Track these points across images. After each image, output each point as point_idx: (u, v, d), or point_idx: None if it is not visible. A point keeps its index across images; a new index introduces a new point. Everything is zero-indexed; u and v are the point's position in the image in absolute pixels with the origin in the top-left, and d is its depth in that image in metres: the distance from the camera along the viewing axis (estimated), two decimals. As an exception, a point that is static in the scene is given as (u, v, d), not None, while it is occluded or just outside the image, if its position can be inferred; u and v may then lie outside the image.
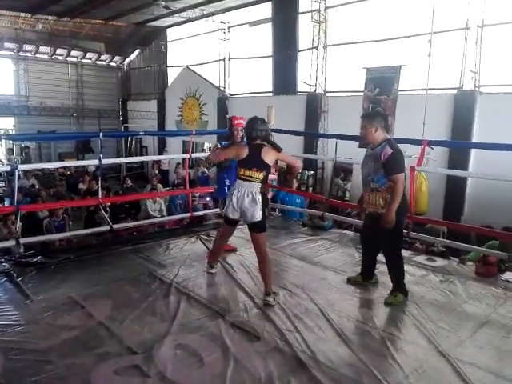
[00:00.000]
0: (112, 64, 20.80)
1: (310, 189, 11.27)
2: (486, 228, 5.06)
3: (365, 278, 3.99)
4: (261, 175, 3.52)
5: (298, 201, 6.75)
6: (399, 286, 3.68)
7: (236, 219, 3.66)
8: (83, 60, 19.79)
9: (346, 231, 5.83)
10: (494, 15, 8.64)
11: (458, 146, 8.51)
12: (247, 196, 3.48)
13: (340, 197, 10.85)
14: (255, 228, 3.57)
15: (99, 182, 4.90)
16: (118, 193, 9.02)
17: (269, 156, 3.54)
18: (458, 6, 8.90)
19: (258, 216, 3.49)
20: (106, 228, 4.89)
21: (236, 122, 4.26)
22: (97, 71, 20.53)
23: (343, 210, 7.66)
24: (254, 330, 3.08)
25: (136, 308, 3.35)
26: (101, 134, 4.84)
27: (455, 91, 9.10)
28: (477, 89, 8.82)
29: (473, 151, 8.64)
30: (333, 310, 3.42)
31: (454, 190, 8.90)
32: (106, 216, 4.78)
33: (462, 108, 8.85)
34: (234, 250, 4.68)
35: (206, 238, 5.24)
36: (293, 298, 3.64)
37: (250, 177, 3.51)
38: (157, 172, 12.90)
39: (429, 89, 8.65)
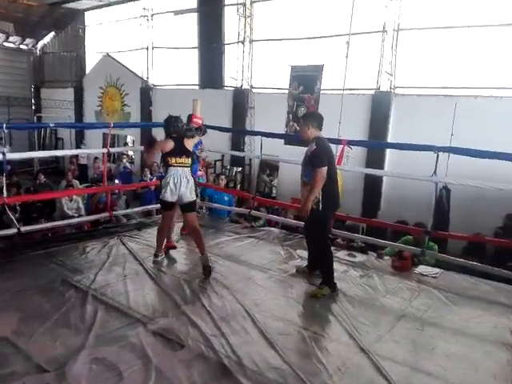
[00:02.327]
0: (23, 47, 19.06)
1: (238, 186, 11.27)
2: (400, 225, 5.36)
3: (310, 269, 4.18)
4: (189, 160, 4.21)
5: (226, 198, 6.68)
6: (326, 280, 3.83)
7: (173, 202, 4.20)
8: (-12, 41, 17.95)
9: (272, 228, 5.88)
10: (410, 20, 9.18)
11: (375, 146, 8.94)
12: (183, 179, 4.11)
13: (267, 193, 10.96)
14: (189, 208, 4.22)
15: (3, 179, 4.40)
16: (30, 189, 8.28)
17: (189, 145, 4.26)
18: (376, 10, 9.32)
19: (193, 196, 4.21)
20: (12, 231, 4.41)
21: (194, 119, 5.01)
22: (5, 54, 18.65)
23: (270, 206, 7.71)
24: (177, 337, 2.95)
25: (47, 320, 3.06)
26: (4, 126, 4.33)
27: (373, 92, 9.56)
28: (392, 90, 9.34)
29: (388, 151, 9.16)
30: (259, 311, 3.40)
31: (372, 187, 9.37)
32: (13, 217, 4.31)
33: (379, 108, 9.32)
34: (174, 248, 4.78)
35: (127, 239, 4.98)
36: (219, 300, 3.57)
37: (182, 163, 4.15)
38: (74, 167, 12.08)
39: (346, 89, 9.00)
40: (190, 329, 3.07)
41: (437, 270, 4.50)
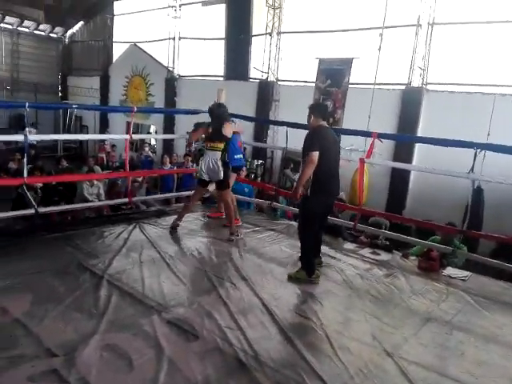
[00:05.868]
0: (52, 35, 19.34)
1: (259, 179, 11.11)
2: (431, 223, 5.12)
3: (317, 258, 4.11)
4: (221, 145, 4.64)
5: (246, 190, 6.52)
6: (303, 265, 3.81)
7: (207, 180, 4.76)
8: (20, 28, 18.22)
9: (292, 222, 5.72)
10: (445, 14, 8.81)
11: (407, 140, 8.62)
12: (210, 162, 4.63)
13: (288, 187, 10.75)
14: (219, 186, 4.79)
15: (25, 160, 4.38)
16: (51, 173, 8.29)
17: (226, 130, 4.63)
18: (411, 3, 8.99)
19: (221, 176, 4.67)
20: (30, 211, 4.37)
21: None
22: (35, 42, 18.99)
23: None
24: (192, 327, 2.83)
25: (60, 303, 2.98)
26: (27, 104, 4.27)
27: (403, 87, 9.23)
28: (424, 86, 9.00)
29: (416, 149, 8.84)
30: (277, 305, 3.25)
31: (398, 184, 9.08)
32: (31, 198, 4.27)
33: (409, 104, 9.01)
34: (220, 216, 5.34)
35: (146, 225, 4.89)
36: (236, 292, 3.43)
37: (212, 147, 4.65)
38: (102, 155, 12.09)
39: (377, 83, 8.72)
40: (206, 320, 2.94)
41: (466, 272, 4.26)
